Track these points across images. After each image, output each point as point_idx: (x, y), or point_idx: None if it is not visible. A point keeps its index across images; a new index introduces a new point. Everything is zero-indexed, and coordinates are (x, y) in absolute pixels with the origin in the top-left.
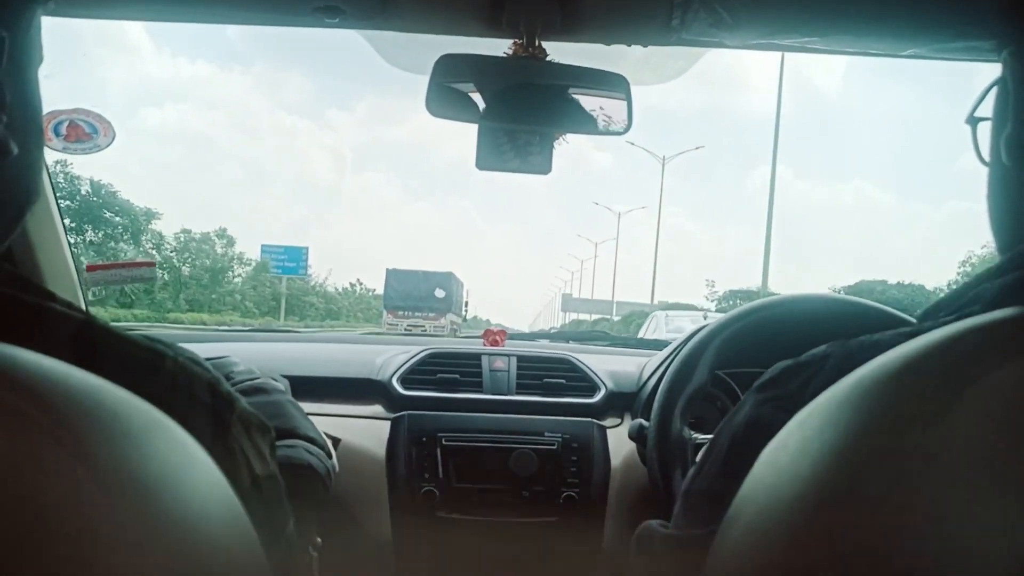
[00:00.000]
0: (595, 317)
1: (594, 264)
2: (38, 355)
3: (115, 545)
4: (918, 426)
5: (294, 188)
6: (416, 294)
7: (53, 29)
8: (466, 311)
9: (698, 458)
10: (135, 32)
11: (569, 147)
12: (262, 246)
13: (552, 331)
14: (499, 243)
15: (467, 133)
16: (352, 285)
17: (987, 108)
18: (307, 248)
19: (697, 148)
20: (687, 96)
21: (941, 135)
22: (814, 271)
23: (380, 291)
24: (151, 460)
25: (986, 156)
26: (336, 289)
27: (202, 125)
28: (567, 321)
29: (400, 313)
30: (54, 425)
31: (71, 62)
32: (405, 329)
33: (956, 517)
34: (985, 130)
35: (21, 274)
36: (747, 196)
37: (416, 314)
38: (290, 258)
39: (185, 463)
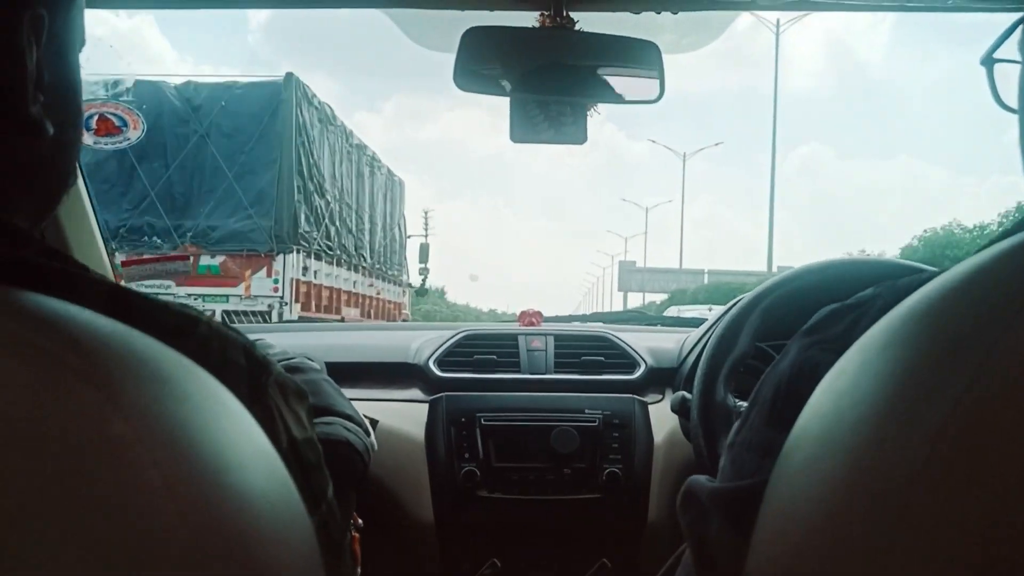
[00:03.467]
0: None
1: (625, 257)
2: (66, 303)
3: (148, 484)
4: (997, 328)
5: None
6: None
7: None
8: (425, 275)
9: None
10: (156, 41)
11: (603, 143)
12: None
13: (586, 314)
14: (532, 238)
15: (498, 129)
16: None
17: (1007, 51)
18: None
19: (716, 144)
20: (724, 77)
21: (992, 104)
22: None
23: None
24: (183, 403)
25: (1007, 100)
26: None
27: None
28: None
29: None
30: (84, 366)
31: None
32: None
33: None
34: (1003, 73)
35: (51, 245)
36: (785, 177)
37: (164, 246)
38: None
39: (219, 411)
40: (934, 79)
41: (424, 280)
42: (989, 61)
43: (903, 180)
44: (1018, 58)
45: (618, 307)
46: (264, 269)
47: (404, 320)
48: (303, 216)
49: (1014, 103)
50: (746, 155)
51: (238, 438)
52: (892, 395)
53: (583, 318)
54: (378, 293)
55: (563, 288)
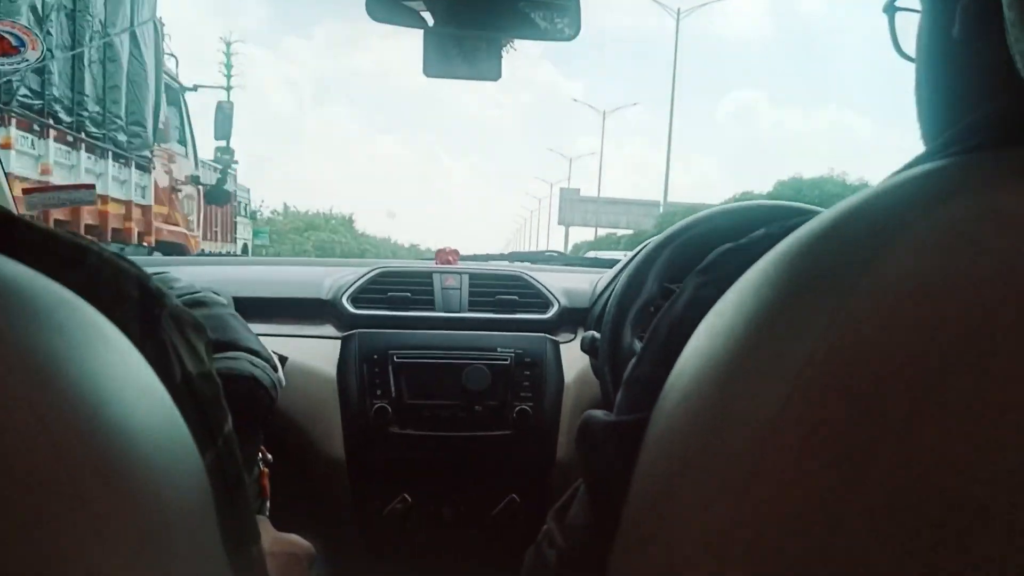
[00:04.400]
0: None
1: (569, 182)
2: None
3: (19, 420)
4: (854, 271)
5: (252, 123)
6: None
7: None
8: (226, 163)
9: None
10: None
11: (540, 79)
12: None
13: (504, 253)
14: (465, 176)
15: None
16: None
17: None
18: None
19: (634, 104)
20: (659, 23)
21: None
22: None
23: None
24: (57, 336)
25: (906, 49)
26: None
27: None
28: (570, 247)
29: None
30: None
31: None
32: None
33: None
34: (904, 21)
35: None
36: (717, 123)
37: None
38: None
39: (98, 344)
40: (868, 30)
41: (224, 173)
42: (891, 8)
43: (831, 130)
44: (918, 7)
45: (557, 245)
46: None
47: (193, 247)
48: None
49: (913, 52)
50: (677, 100)
51: (120, 372)
52: (758, 336)
53: (501, 257)
54: (45, 172)
55: (496, 226)
